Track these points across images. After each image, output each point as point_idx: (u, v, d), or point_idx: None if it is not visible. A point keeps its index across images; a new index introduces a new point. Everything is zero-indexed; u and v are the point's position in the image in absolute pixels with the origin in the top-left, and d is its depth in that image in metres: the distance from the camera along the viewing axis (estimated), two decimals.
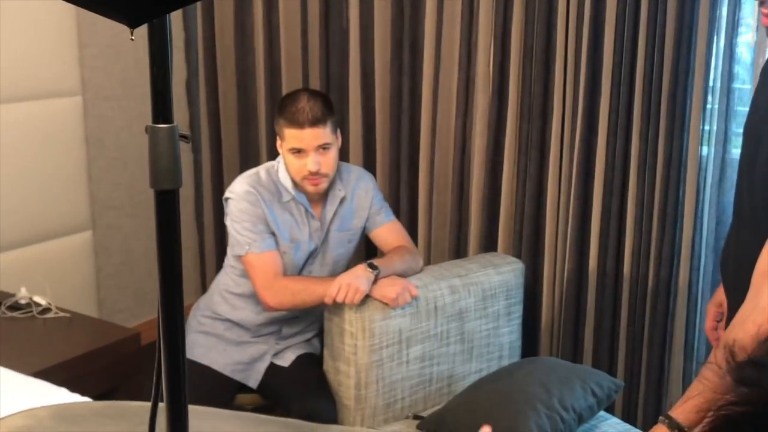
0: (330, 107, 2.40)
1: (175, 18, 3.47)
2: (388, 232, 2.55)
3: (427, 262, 3.03)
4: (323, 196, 2.47)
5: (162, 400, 1.07)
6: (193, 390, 2.48)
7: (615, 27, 2.54)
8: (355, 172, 2.59)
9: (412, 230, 3.08)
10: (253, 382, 2.50)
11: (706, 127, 2.50)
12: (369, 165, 3.13)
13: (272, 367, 2.51)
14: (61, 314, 2.47)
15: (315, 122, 2.32)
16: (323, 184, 2.40)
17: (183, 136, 1.02)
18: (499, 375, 2.31)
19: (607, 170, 2.64)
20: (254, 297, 2.45)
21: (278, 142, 2.43)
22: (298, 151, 2.35)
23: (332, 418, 2.34)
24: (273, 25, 3.23)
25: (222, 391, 2.45)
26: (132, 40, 0.76)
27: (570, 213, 2.72)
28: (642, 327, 2.66)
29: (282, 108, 2.38)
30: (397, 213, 3.09)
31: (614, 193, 2.64)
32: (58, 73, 3.00)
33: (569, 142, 2.70)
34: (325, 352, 2.41)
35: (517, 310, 2.60)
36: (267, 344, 2.53)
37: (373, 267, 2.33)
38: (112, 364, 2.38)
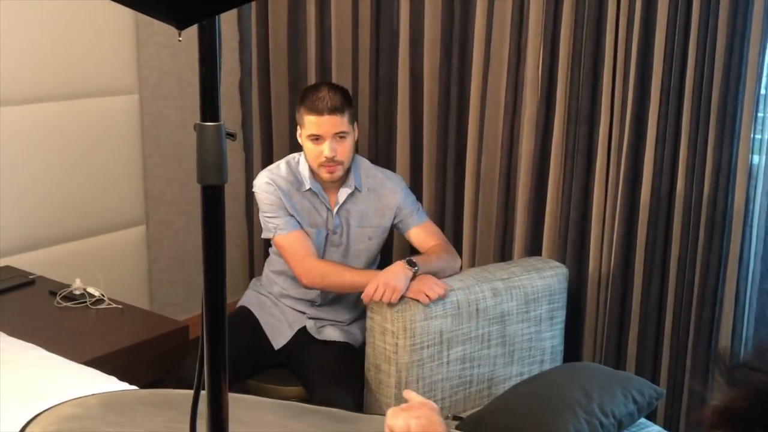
0: (349, 99, 2.55)
1: (230, 20, 3.54)
2: (424, 231, 2.65)
3: (472, 264, 3.05)
4: (337, 188, 2.59)
5: (204, 389, 1.12)
6: (234, 336, 2.59)
7: (665, 33, 2.53)
8: (384, 173, 2.70)
9: (457, 232, 3.10)
10: (277, 343, 2.64)
11: (757, 136, 2.48)
12: (416, 166, 3.16)
13: (306, 344, 2.60)
14: (114, 305, 2.54)
15: (333, 110, 2.46)
16: (338, 172, 2.53)
17: (229, 134, 1.07)
18: (539, 379, 2.31)
19: (655, 177, 2.62)
20: (289, 273, 2.62)
21: (298, 132, 2.58)
22: (316, 138, 2.49)
23: (347, 405, 2.37)
24: (325, 26, 3.28)
25: (257, 344, 2.62)
26: (180, 41, 0.80)
27: (616, 219, 2.71)
28: (687, 335, 2.64)
29: (303, 97, 2.54)
30: (442, 215, 3.12)
31: (661, 200, 2.63)
32: (116, 71, 3.10)
33: (617, 147, 2.69)
34: (367, 350, 2.44)
35: (560, 315, 2.60)
36: (301, 313, 2.67)
37: (411, 264, 2.40)
38: (161, 355, 2.44)
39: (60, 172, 2.97)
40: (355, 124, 2.57)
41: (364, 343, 2.51)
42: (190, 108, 3.45)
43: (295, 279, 2.60)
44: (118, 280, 3.10)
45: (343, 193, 2.59)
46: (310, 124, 2.48)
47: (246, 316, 2.70)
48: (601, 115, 2.69)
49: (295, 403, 1.92)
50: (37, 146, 2.88)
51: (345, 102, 2.51)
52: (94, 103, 3.05)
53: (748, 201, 2.50)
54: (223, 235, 1.05)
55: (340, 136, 2.49)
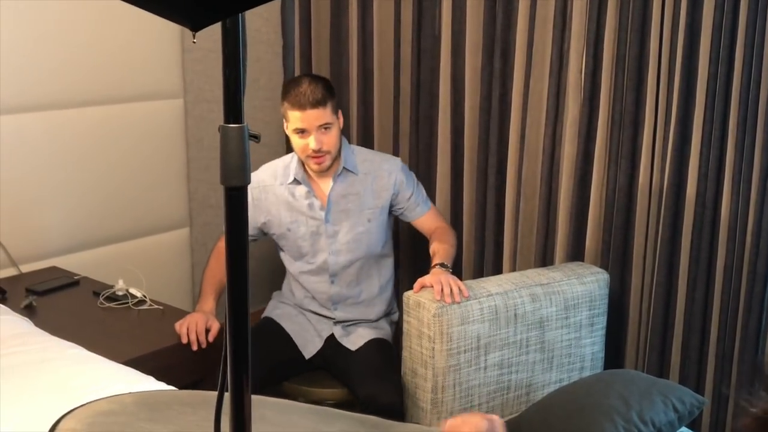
0: (331, 90, 2.61)
1: (274, 25, 3.57)
2: (431, 218, 2.78)
3: (513, 269, 3.02)
4: (328, 178, 2.67)
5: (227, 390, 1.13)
6: (264, 342, 2.64)
7: (711, 36, 2.48)
8: (381, 155, 2.81)
9: (498, 237, 3.08)
10: (307, 353, 2.69)
11: None
12: (456, 171, 3.15)
13: (338, 348, 2.66)
14: (155, 306, 2.57)
15: (316, 104, 2.52)
16: (326, 162, 2.59)
17: (253, 136, 1.07)
18: (577, 385, 2.28)
19: (700, 182, 2.57)
20: (295, 278, 2.74)
21: (284, 124, 2.64)
22: (301, 132, 2.55)
23: (394, 400, 2.41)
24: (367, 31, 3.28)
25: (287, 349, 2.68)
26: (194, 42, 0.81)
27: (660, 224, 2.67)
28: (732, 344, 2.58)
29: (286, 92, 2.60)
30: (483, 218, 3.10)
31: (707, 206, 2.57)
32: (162, 76, 3.14)
33: (661, 152, 2.65)
34: (404, 354, 2.44)
35: (601, 321, 2.57)
36: (328, 318, 2.72)
37: (444, 266, 2.50)
38: (201, 356, 2.46)
39: (106, 174, 3.02)
40: (339, 112, 2.63)
41: (395, 336, 2.56)
42: None
43: (308, 283, 2.71)
44: (162, 282, 3.15)
45: (336, 182, 2.66)
46: (294, 118, 2.55)
47: (273, 326, 2.73)
48: (646, 119, 2.65)
49: (329, 408, 1.92)
50: (83, 149, 2.94)
51: (327, 93, 2.56)
52: (140, 107, 3.10)
53: None
54: (246, 235, 1.06)
55: (325, 127, 2.55)
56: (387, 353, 2.63)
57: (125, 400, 1.68)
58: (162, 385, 2.01)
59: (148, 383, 2.00)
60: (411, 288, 2.46)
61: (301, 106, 2.52)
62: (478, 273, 3.13)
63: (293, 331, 2.71)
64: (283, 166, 2.73)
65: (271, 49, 3.57)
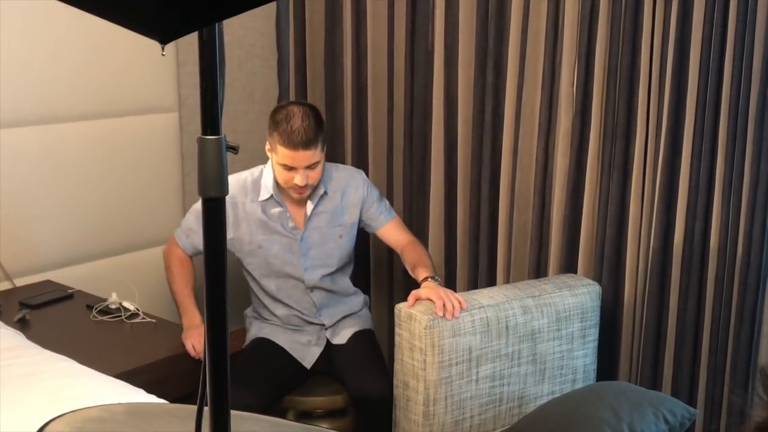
0: (321, 124, 2.56)
1: (270, 40, 3.59)
2: (395, 228, 2.77)
3: (507, 281, 3.02)
4: (303, 201, 2.66)
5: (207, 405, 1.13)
6: (264, 361, 2.65)
7: (701, 48, 2.49)
8: (345, 170, 2.80)
9: (491, 249, 3.08)
10: (308, 363, 2.70)
11: None
12: (450, 183, 3.16)
13: (329, 346, 2.71)
14: (148, 319, 2.58)
15: (308, 144, 2.48)
16: (307, 193, 2.60)
17: (231, 147, 1.09)
18: (568, 398, 2.28)
19: (691, 193, 2.58)
20: (271, 295, 2.72)
21: (268, 147, 2.60)
22: (288, 168, 2.52)
23: (384, 393, 2.47)
24: (361, 46, 3.30)
25: (287, 363, 2.67)
26: (163, 55, 0.82)
27: (652, 236, 2.67)
28: (724, 355, 2.58)
29: (276, 124, 2.52)
30: (476, 230, 3.11)
31: (698, 217, 2.58)
32: (157, 90, 3.16)
33: (652, 163, 2.66)
34: (396, 367, 2.44)
35: (593, 333, 2.57)
36: (320, 326, 2.74)
37: (435, 280, 2.51)
38: (193, 369, 2.47)
39: (101, 188, 3.03)
40: (325, 145, 2.59)
41: (376, 326, 2.74)
42: (229, 126, 3.50)
43: (288, 298, 2.71)
44: (157, 295, 3.15)
45: (311, 205, 2.66)
46: (283, 155, 2.50)
47: (267, 345, 2.71)
48: (637, 131, 2.66)
49: (299, 425, 1.92)
50: (78, 163, 2.95)
51: (318, 130, 2.51)
52: (135, 121, 3.11)
53: None
54: (224, 246, 1.07)
55: (313, 166, 2.53)
56: (372, 344, 2.72)
57: (115, 409, 1.70)
58: (152, 398, 2.02)
59: (139, 396, 2.00)
60: (403, 300, 2.47)
61: (293, 146, 2.47)
62: (472, 285, 3.14)
63: (289, 346, 2.71)
64: (252, 181, 2.68)
65: (267, 63, 3.60)
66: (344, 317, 2.76)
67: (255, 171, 2.73)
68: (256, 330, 2.78)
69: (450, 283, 3.17)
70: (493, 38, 2.94)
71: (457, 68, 3.05)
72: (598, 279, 2.76)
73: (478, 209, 3.10)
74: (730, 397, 2.57)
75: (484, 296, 2.44)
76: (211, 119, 1.03)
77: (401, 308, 2.40)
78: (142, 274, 3.12)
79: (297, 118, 2.48)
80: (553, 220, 2.89)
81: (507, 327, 2.40)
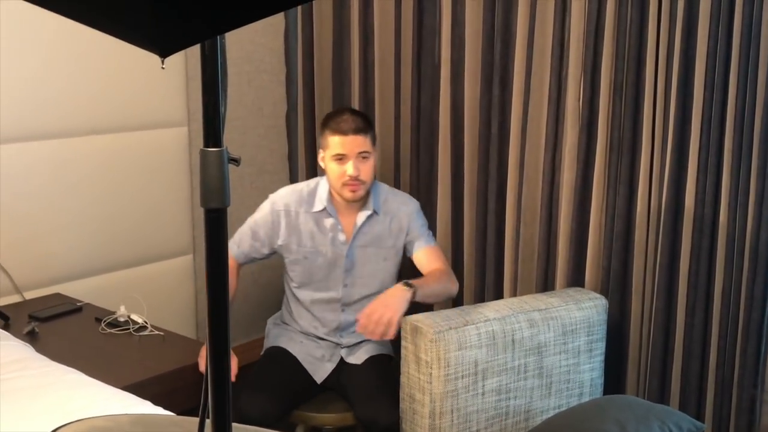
0: (370, 123, 2.71)
1: (278, 54, 3.62)
2: (429, 254, 2.72)
3: (513, 294, 3.03)
4: (356, 210, 2.67)
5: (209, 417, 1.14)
6: (278, 371, 2.65)
7: (706, 63, 2.50)
8: (400, 196, 2.82)
9: (498, 263, 3.09)
10: (318, 378, 2.69)
11: None
12: (457, 197, 3.17)
13: (343, 365, 2.69)
14: (156, 332, 2.59)
15: (357, 131, 2.60)
16: (360, 191, 2.62)
17: (233, 159, 1.10)
18: (574, 411, 2.28)
19: (697, 207, 2.58)
20: (304, 306, 2.75)
21: (320, 156, 2.70)
22: (340, 158, 2.59)
23: (392, 422, 2.45)
24: (368, 60, 3.33)
25: (300, 376, 2.67)
26: (162, 68, 0.84)
27: (659, 250, 2.67)
28: (732, 370, 2.57)
29: (326, 122, 2.67)
30: (483, 244, 3.11)
31: (704, 231, 2.58)
32: (166, 105, 3.19)
33: (658, 177, 2.66)
34: (402, 380, 2.44)
35: (599, 347, 2.56)
36: (335, 344, 2.73)
37: (409, 285, 2.49)
38: (201, 382, 2.47)
39: (110, 202, 3.06)
40: (376, 145, 2.69)
41: (396, 350, 2.61)
42: (238, 140, 3.53)
43: (318, 311, 2.73)
44: (166, 308, 3.17)
45: (362, 215, 2.68)
46: (334, 144, 2.60)
47: (282, 355, 2.73)
48: (643, 145, 2.67)
49: None
50: (88, 177, 2.98)
51: (367, 125, 2.65)
52: (145, 135, 3.14)
53: None
54: (225, 257, 1.08)
55: (363, 156, 2.60)
56: (386, 370, 2.68)
57: (121, 420, 1.70)
58: (159, 410, 2.03)
59: (145, 407, 2.01)
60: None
61: (342, 132, 2.59)
62: (479, 298, 3.14)
63: (303, 358, 2.71)
64: (308, 192, 2.73)
65: (275, 78, 3.62)
66: (365, 340, 2.73)
67: (311, 182, 2.78)
68: (273, 337, 2.81)
69: (457, 296, 3.17)
70: (499, 53, 2.96)
71: (463, 82, 3.06)
72: (605, 293, 2.76)
73: (485, 222, 3.11)
74: (737, 413, 2.56)
75: (490, 309, 2.44)
76: (213, 131, 1.04)
77: (407, 321, 2.41)
78: (150, 288, 3.14)
79: (346, 113, 2.66)
80: (560, 234, 2.89)
81: (513, 340, 2.41)
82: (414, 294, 2.48)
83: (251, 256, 2.78)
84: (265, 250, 2.76)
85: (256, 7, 0.72)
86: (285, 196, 2.74)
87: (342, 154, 2.59)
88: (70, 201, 2.94)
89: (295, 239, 2.70)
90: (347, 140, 2.58)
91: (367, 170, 2.61)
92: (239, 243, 2.76)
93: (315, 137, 3.57)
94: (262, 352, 2.82)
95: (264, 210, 2.74)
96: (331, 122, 2.64)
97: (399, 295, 2.46)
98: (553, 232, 2.94)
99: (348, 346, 2.73)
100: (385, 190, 2.78)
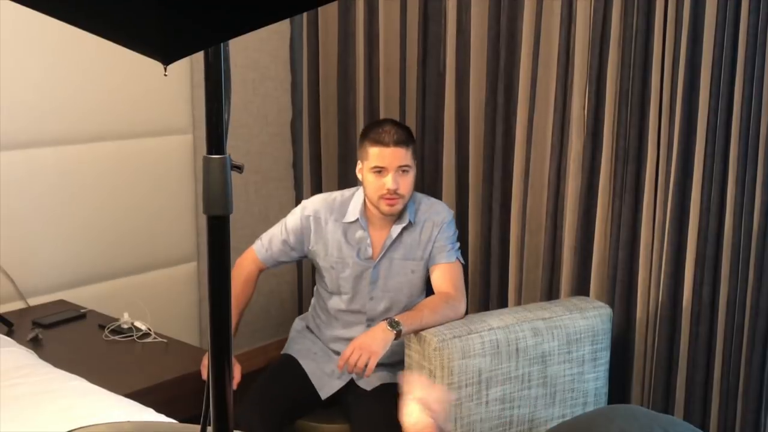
0: (412, 136, 2.60)
1: (283, 62, 3.63)
2: (443, 273, 2.59)
3: (518, 303, 3.02)
4: (389, 224, 2.61)
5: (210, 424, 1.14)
6: (282, 385, 2.59)
7: (711, 71, 2.50)
8: (435, 205, 2.69)
9: (503, 272, 3.08)
10: (323, 394, 2.64)
11: None
12: (461, 205, 3.17)
13: (352, 385, 2.61)
14: (159, 339, 2.59)
15: (398, 143, 2.50)
16: (398, 205, 2.54)
17: (236, 167, 1.10)
18: (578, 420, 2.26)
19: (702, 216, 2.57)
20: (330, 313, 2.69)
21: (359, 167, 2.61)
22: (379, 171, 2.51)
23: None
24: (373, 68, 3.33)
25: (305, 391, 2.63)
26: (165, 75, 0.84)
27: (663, 259, 2.66)
28: (737, 379, 2.56)
29: (366, 132, 2.59)
30: (488, 253, 3.11)
31: (709, 240, 2.57)
32: (171, 111, 3.19)
33: (663, 186, 2.65)
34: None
35: (604, 356, 2.55)
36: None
37: (393, 325, 2.38)
38: (203, 390, 2.47)
39: (114, 209, 3.06)
40: (416, 160, 2.61)
41: None
42: (243, 148, 3.53)
43: (345, 321, 2.66)
44: (169, 315, 3.17)
45: (397, 228, 2.60)
46: (374, 156, 2.51)
47: (291, 366, 2.69)
48: (648, 154, 2.67)
49: None
50: (92, 184, 2.98)
51: (409, 137, 2.56)
52: (149, 142, 3.15)
53: None
54: (228, 264, 1.08)
55: (404, 169, 2.51)
56: (395, 399, 2.54)
57: (123, 427, 1.70)
58: (162, 417, 2.02)
59: (148, 415, 2.01)
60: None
61: (383, 143, 2.49)
62: (484, 306, 3.13)
63: (312, 372, 2.66)
64: (341, 201, 2.66)
65: (280, 85, 3.63)
66: (380, 365, 2.57)
67: (346, 192, 2.71)
68: (292, 341, 2.78)
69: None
70: (504, 60, 2.96)
71: (468, 90, 3.06)
72: (609, 302, 2.75)
73: (490, 231, 3.10)
74: (742, 423, 2.55)
75: (494, 318, 2.43)
76: (216, 138, 1.04)
77: None
78: (154, 295, 3.14)
79: (387, 124, 2.57)
80: (564, 243, 2.88)
81: (517, 349, 2.40)
82: (398, 334, 2.38)
83: (280, 260, 2.72)
84: (296, 254, 2.70)
85: (260, 14, 0.72)
86: (316, 202, 2.68)
87: (381, 167, 2.49)
88: (73, 208, 2.94)
89: (322, 247, 2.64)
90: (387, 152, 2.48)
91: (406, 184, 2.52)
92: (268, 246, 2.70)
93: (320, 145, 3.57)
94: (281, 352, 2.80)
95: (295, 214, 2.68)
96: (371, 133, 2.54)
97: (379, 336, 2.37)
98: (558, 241, 2.93)
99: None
100: (418, 198, 2.67)
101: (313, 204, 2.67)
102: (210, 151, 1.05)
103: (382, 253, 2.61)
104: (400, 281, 2.63)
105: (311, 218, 2.64)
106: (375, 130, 2.55)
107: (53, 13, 0.68)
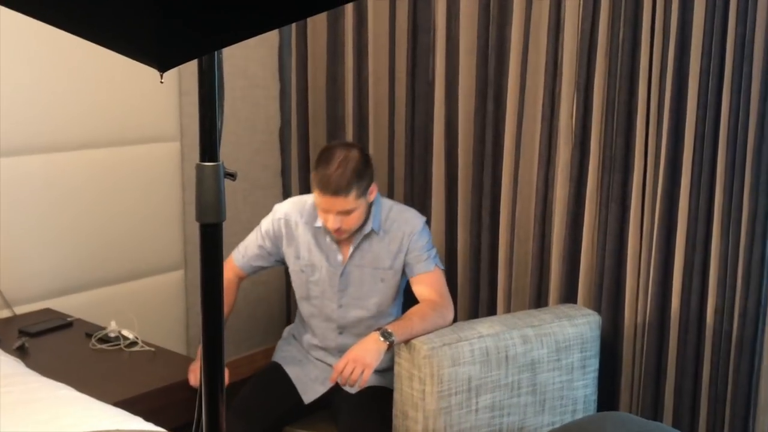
0: (360, 173, 2.45)
1: (272, 70, 3.62)
2: (425, 282, 2.57)
3: (507, 310, 3.02)
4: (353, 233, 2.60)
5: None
6: (266, 392, 2.58)
7: (699, 80, 2.51)
8: (405, 213, 2.64)
9: (492, 279, 3.08)
10: (307, 399, 2.65)
11: None
12: (451, 213, 3.17)
13: (339, 391, 2.61)
14: (147, 348, 2.58)
15: (337, 192, 2.42)
16: (345, 236, 2.54)
17: (229, 174, 1.10)
18: (567, 428, 2.26)
19: (690, 224, 2.59)
20: (304, 320, 2.71)
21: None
22: (322, 209, 2.50)
23: None
24: (362, 76, 3.33)
25: (290, 397, 2.65)
26: (161, 82, 0.84)
27: (651, 266, 2.67)
28: (725, 386, 2.57)
29: (317, 163, 2.50)
30: (477, 260, 3.11)
31: (697, 248, 2.58)
32: (159, 119, 3.18)
33: (651, 195, 2.67)
34: (395, 396, 2.43)
35: (593, 364, 2.56)
36: (326, 371, 2.66)
37: (386, 335, 2.36)
38: (191, 398, 2.45)
39: (101, 217, 3.04)
40: (369, 190, 2.51)
41: None
42: (231, 155, 3.52)
43: (317, 328, 2.68)
44: (156, 323, 3.15)
45: (359, 235, 2.59)
46: (316, 197, 2.49)
47: (277, 373, 2.70)
48: (635, 162, 2.68)
49: None
50: (79, 192, 2.97)
51: (353, 179, 2.44)
52: (137, 150, 3.13)
53: None
54: (220, 272, 1.08)
55: (346, 212, 2.47)
56: (381, 407, 2.55)
57: None
58: (150, 426, 2.01)
59: (136, 423, 2.00)
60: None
61: (322, 190, 2.44)
62: (473, 314, 3.14)
63: (296, 377, 2.68)
64: (312, 204, 2.63)
65: (269, 93, 3.63)
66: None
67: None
68: (279, 349, 2.80)
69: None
70: (493, 69, 2.97)
71: (457, 99, 3.07)
72: (597, 309, 2.76)
73: (479, 239, 3.11)
74: (731, 430, 2.56)
75: (484, 325, 2.44)
76: (209, 146, 1.04)
77: None
78: (141, 303, 3.13)
79: (334, 163, 2.44)
80: (553, 251, 2.89)
81: (507, 357, 2.40)
82: (390, 345, 2.36)
83: (257, 265, 2.71)
84: (273, 259, 2.70)
85: (256, 23, 0.72)
86: (287, 205, 2.68)
87: (323, 208, 2.49)
88: (60, 215, 2.93)
89: (293, 250, 2.64)
90: (326, 199, 2.45)
91: (350, 221, 2.49)
92: (245, 252, 2.71)
93: (308, 153, 3.57)
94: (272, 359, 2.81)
95: (267, 219, 2.69)
96: (318, 167, 2.47)
97: (372, 348, 2.35)
98: (547, 249, 2.94)
99: None
100: (387, 207, 2.64)
101: (284, 207, 2.67)
102: (203, 159, 1.05)
103: (348, 261, 2.60)
104: (370, 290, 2.62)
105: (282, 221, 2.64)
106: (321, 168, 2.46)
107: (55, 23, 0.68)
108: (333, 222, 2.47)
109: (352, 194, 2.44)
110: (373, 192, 2.55)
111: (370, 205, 2.56)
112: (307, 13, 0.78)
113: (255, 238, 2.70)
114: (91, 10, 0.68)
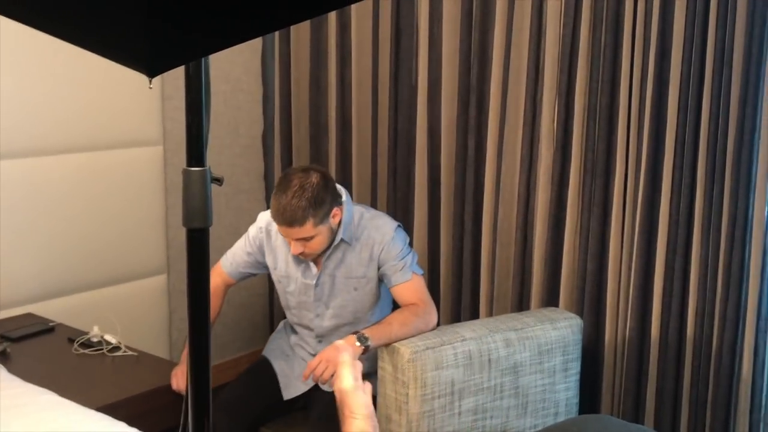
0: (317, 200, 2.38)
1: (255, 74, 3.62)
2: (404, 290, 2.54)
3: (489, 314, 3.04)
4: None
5: None
6: (252, 388, 2.55)
7: (679, 85, 2.54)
8: (377, 220, 2.58)
9: (474, 284, 3.10)
10: (286, 395, 2.68)
11: None
12: (433, 218, 3.18)
13: (316, 389, 2.62)
14: (130, 353, 2.57)
15: (292, 223, 2.37)
16: (310, 258, 2.54)
17: (216, 179, 1.10)
18: (550, 431, 2.28)
19: (671, 228, 2.61)
20: (294, 326, 2.72)
21: None
22: (283, 235, 2.50)
23: None
24: (345, 81, 3.34)
25: (273, 394, 2.67)
26: (150, 88, 0.84)
27: (632, 270, 2.70)
28: (706, 389, 2.59)
29: (275, 189, 2.44)
30: (459, 265, 3.12)
31: (678, 252, 2.61)
32: (142, 123, 3.17)
33: (632, 199, 2.69)
34: (378, 400, 2.44)
35: (575, 367, 2.58)
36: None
37: (362, 339, 2.35)
38: (175, 403, 2.45)
39: (83, 221, 3.03)
40: (331, 214, 2.45)
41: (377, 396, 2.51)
42: (214, 159, 3.50)
43: (300, 334, 2.70)
44: (139, 328, 3.14)
45: (329, 249, 2.55)
46: (276, 223, 2.47)
47: (264, 366, 2.74)
48: (617, 167, 2.70)
49: None
50: (61, 196, 2.95)
51: (308, 209, 2.36)
52: (119, 154, 3.12)
53: (765, 253, 2.47)
54: (207, 277, 1.08)
55: (305, 239, 2.44)
56: None
57: None
58: (134, 431, 2.00)
59: (120, 428, 1.99)
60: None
61: (276, 220, 2.42)
62: (455, 318, 3.15)
63: (281, 371, 2.70)
64: None
65: (252, 98, 3.63)
66: None
67: None
68: (270, 341, 2.83)
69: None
70: (475, 75, 2.99)
71: (440, 103, 3.09)
72: (579, 313, 2.78)
73: (461, 243, 3.12)
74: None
75: (467, 329, 2.45)
76: (196, 151, 1.05)
77: None
78: (124, 308, 3.11)
79: (289, 193, 2.37)
80: (534, 255, 2.91)
81: (489, 360, 2.41)
82: (366, 349, 2.33)
83: (246, 271, 2.71)
84: (261, 266, 2.70)
85: (244, 29, 0.73)
86: (268, 214, 2.63)
87: (283, 234, 2.48)
88: (42, 219, 2.91)
89: (272, 260, 2.65)
90: (282, 229, 2.44)
91: (313, 246, 2.45)
92: (233, 259, 2.70)
93: (291, 157, 3.57)
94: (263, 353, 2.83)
95: (254, 226, 2.68)
96: (275, 195, 2.41)
97: (348, 349, 2.31)
98: (528, 253, 2.96)
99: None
100: (359, 214, 2.58)
101: (265, 216, 2.65)
102: (190, 164, 1.05)
103: (321, 271, 2.59)
104: (344, 299, 2.61)
105: (263, 230, 2.64)
106: (277, 197, 2.39)
107: (45, 29, 0.68)
108: (295, 247, 2.45)
109: (308, 224, 2.38)
110: (337, 215, 2.48)
111: (338, 223, 2.51)
112: (296, 19, 0.78)
113: (243, 245, 2.70)
114: (81, 15, 0.69)
